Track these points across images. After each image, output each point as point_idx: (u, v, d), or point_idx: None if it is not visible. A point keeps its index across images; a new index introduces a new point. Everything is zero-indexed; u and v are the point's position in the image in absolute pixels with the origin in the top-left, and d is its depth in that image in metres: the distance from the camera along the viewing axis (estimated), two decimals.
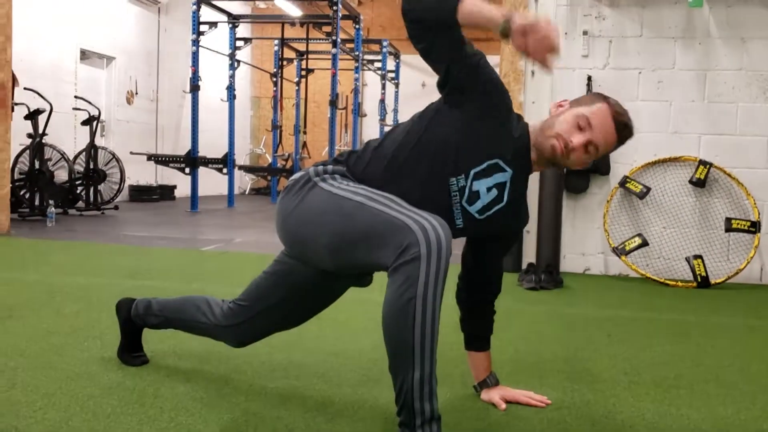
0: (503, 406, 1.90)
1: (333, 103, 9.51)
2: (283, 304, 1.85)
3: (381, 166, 1.67)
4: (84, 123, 7.73)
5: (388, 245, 1.42)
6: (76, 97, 8.27)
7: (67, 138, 8.58)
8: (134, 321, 2.14)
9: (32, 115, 6.90)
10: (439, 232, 1.41)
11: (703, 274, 4.26)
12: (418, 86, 12.90)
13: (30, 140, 6.97)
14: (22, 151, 7.07)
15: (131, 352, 2.18)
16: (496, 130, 1.67)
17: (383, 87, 12.03)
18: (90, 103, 7.79)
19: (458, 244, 1.95)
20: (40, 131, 6.96)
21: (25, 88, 6.99)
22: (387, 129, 12.14)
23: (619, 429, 1.78)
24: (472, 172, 1.65)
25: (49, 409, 1.76)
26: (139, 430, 1.65)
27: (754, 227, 4.28)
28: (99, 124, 8.05)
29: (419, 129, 1.67)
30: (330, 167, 1.69)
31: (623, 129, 1.68)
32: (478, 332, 1.97)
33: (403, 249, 1.40)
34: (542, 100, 4.50)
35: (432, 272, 1.38)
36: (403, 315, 1.40)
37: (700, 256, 4.31)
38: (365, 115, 12.70)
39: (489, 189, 1.67)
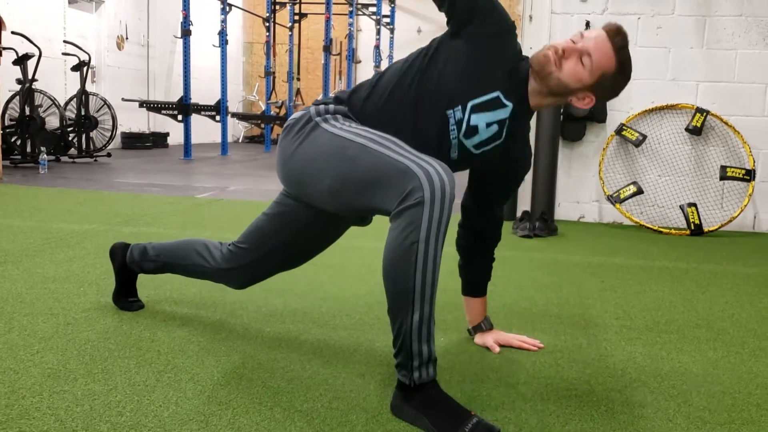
0: (497, 349, 1.93)
1: (327, 49, 9.37)
2: (285, 245, 1.84)
3: (380, 99, 1.66)
4: (74, 68, 7.62)
5: (392, 189, 1.42)
6: (65, 41, 8.12)
7: (57, 84, 8.46)
8: (130, 267, 2.14)
9: (21, 60, 6.79)
10: (443, 177, 1.40)
11: (697, 222, 4.28)
12: (413, 32, 12.72)
13: (19, 86, 6.87)
14: (12, 97, 6.98)
15: (127, 297, 2.18)
16: (498, 62, 1.64)
17: (378, 32, 11.83)
18: (80, 48, 7.65)
19: (459, 192, 1.94)
20: (30, 77, 6.85)
21: (12, 32, 6.85)
22: None
23: (610, 372, 1.81)
24: (470, 105, 1.62)
25: (46, 353, 1.77)
26: (136, 373, 1.67)
27: (749, 175, 4.28)
28: (89, 70, 7.93)
29: (421, 64, 1.65)
30: (331, 107, 1.66)
31: (618, 38, 1.63)
32: (476, 279, 1.98)
33: (407, 193, 1.39)
34: (540, 45, 4.43)
35: (435, 217, 1.38)
36: (405, 259, 1.39)
37: (694, 204, 4.32)
38: (360, 62, 12.55)
39: (489, 125, 1.65)
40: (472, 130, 1.64)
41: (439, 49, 1.66)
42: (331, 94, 1.73)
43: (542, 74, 1.64)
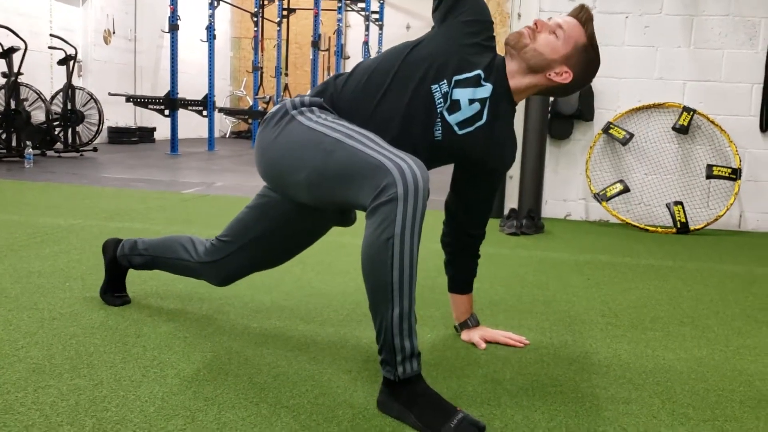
0: (483, 345, 1.93)
1: (315, 45, 9.36)
2: (265, 238, 1.84)
3: (361, 83, 1.68)
4: (60, 62, 7.56)
5: (366, 185, 1.43)
6: (51, 35, 8.05)
7: (43, 78, 8.39)
8: (119, 261, 2.13)
9: (6, 54, 6.73)
10: (416, 172, 1.41)
11: (683, 220, 4.31)
12: (402, 28, 12.71)
13: (5, 79, 6.80)
14: None
15: (114, 292, 2.17)
16: (479, 47, 1.72)
17: (367, 28, 11.81)
18: (66, 41, 7.59)
19: (441, 191, 1.94)
20: (15, 70, 6.79)
21: None
22: None
23: (596, 368, 1.82)
24: (453, 79, 1.67)
25: (31, 348, 1.76)
26: (122, 368, 1.66)
27: (735, 174, 4.32)
28: (76, 64, 7.87)
29: (403, 49, 1.71)
30: (307, 98, 1.68)
31: (587, 20, 1.72)
32: (461, 276, 1.98)
33: (381, 190, 1.40)
34: None
35: (409, 212, 1.39)
36: (382, 255, 1.41)
37: (680, 203, 4.35)
38: (348, 57, 12.54)
39: (471, 102, 1.68)
40: (455, 105, 1.67)
41: (424, 37, 1.74)
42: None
43: (518, 47, 1.72)
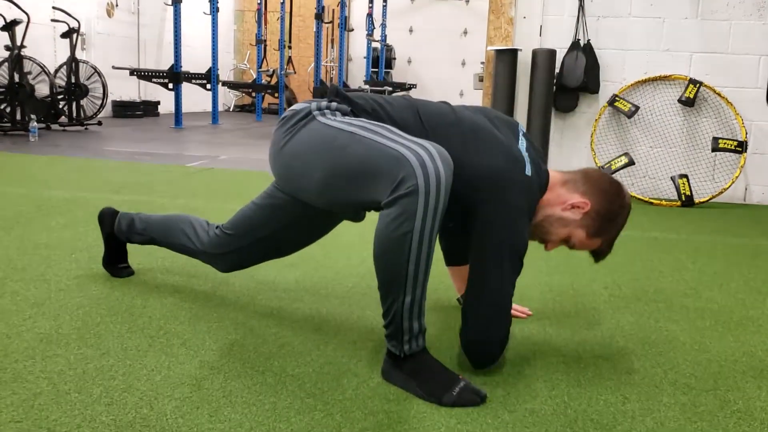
0: None
1: (319, 17, 9.28)
2: (271, 237, 1.81)
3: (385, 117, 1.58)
4: (63, 36, 7.52)
5: (383, 178, 1.36)
6: (54, 8, 8.00)
7: (46, 51, 8.36)
8: (117, 236, 2.13)
9: (9, 26, 6.69)
10: (437, 162, 1.34)
11: (688, 193, 4.30)
12: (407, 1, 12.58)
13: (8, 52, 6.78)
14: (0, 63, 6.89)
15: (117, 263, 2.19)
16: None
17: (371, 1, 11.70)
18: (69, 14, 7.55)
19: None
20: (18, 43, 6.76)
21: None
22: (374, 45, 11.94)
23: (598, 339, 1.84)
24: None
25: (38, 318, 1.78)
26: (128, 338, 1.68)
27: (741, 147, 4.30)
28: (79, 37, 7.83)
29: (456, 115, 1.61)
30: (334, 104, 1.59)
31: (606, 245, 1.72)
32: (458, 247, 1.98)
33: (399, 181, 1.34)
34: (533, 15, 4.41)
35: (431, 206, 1.33)
36: (398, 248, 1.35)
37: (685, 176, 4.34)
38: (352, 30, 12.43)
39: None
40: None
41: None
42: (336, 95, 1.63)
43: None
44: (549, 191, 1.65)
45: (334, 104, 1.59)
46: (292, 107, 1.64)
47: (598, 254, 1.71)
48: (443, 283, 2.25)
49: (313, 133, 1.53)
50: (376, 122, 1.50)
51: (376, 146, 1.41)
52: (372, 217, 1.47)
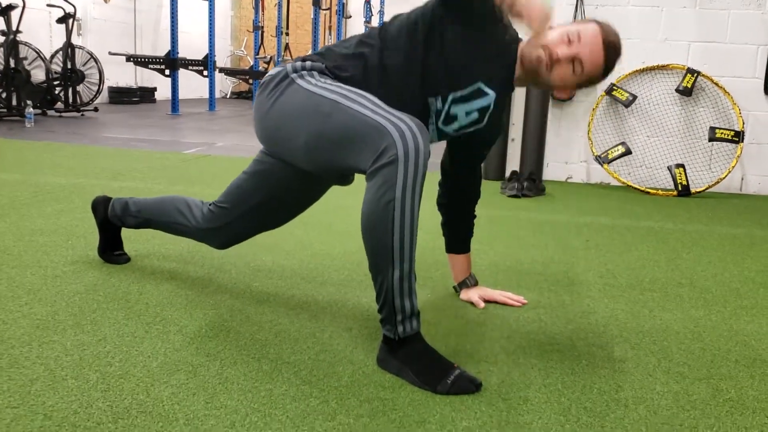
0: (482, 304, 1.95)
1: (316, 4, 9.24)
2: (264, 204, 1.84)
3: (362, 71, 1.62)
4: (59, 21, 7.48)
5: (366, 148, 1.42)
6: None
7: (42, 36, 8.31)
8: (112, 221, 2.14)
9: (4, 11, 6.65)
10: (415, 133, 1.40)
11: (684, 183, 4.30)
12: None
13: (4, 38, 6.74)
14: None
15: (112, 250, 2.19)
16: (486, 47, 1.63)
17: None
18: None
19: (438, 151, 1.94)
20: (14, 28, 6.72)
21: None
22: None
23: (593, 328, 1.85)
24: (450, 97, 1.63)
25: (35, 304, 1.78)
26: (125, 324, 1.68)
27: (738, 137, 4.30)
28: (75, 22, 7.78)
29: (408, 46, 1.60)
30: (308, 63, 1.64)
31: (611, 51, 1.63)
32: (458, 235, 2.00)
33: (381, 152, 1.39)
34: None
35: (410, 174, 1.39)
36: (382, 217, 1.41)
37: (682, 165, 4.34)
38: (350, 17, 12.38)
39: (468, 113, 1.67)
40: (451, 119, 1.67)
41: (433, 30, 1.60)
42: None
43: (531, 72, 1.64)
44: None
45: (308, 62, 1.63)
46: (269, 72, 1.68)
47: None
48: (438, 271, 2.25)
49: (295, 97, 1.57)
50: (356, 90, 1.53)
51: (359, 116, 1.45)
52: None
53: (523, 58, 1.65)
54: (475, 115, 1.68)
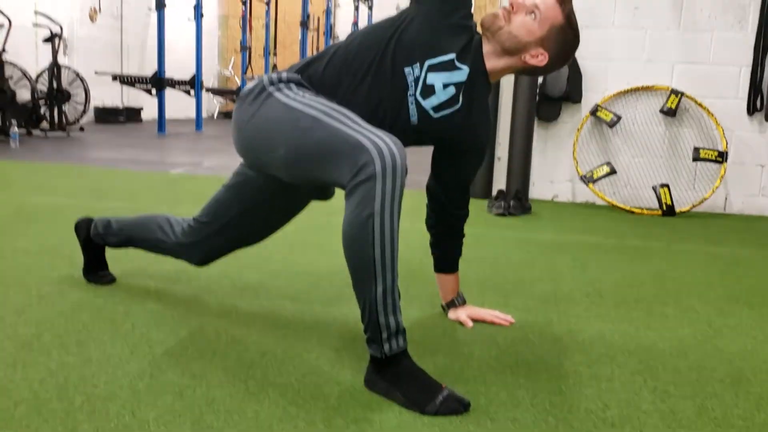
0: (470, 324, 1.95)
1: (304, 24, 9.30)
2: (243, 217, 1.84)
3: (339, 64, 1.67)
4: (46, 40, 7.47)
5: (344, 164, 1.43)
6: (35, 12, 7.95)
7: (28, 56, 8.29)
8: (94, 240, 2.13)
9: None
10: (393, 150, 1.41)
11: (669, 202, 4.34)
12: (392, 9, 12.62)
13: None
14: None
15: (96, 271, 2.18)
16: (454, 28, 1.69)
17: (356, 8, 11.75)
18: (51, 19, 7.50)
19: (421, 172, 1.95)
20: (0, 47, 6.71)
21: None
22: None
23: (579, 347, 1.85)
24: (426, 63, 1.65)
25: (19, 326, 1.76)
26: (111, 345, 1.67)
27: (721, 157, 4.35)
28: (61, 42, 7.78)
29: (384, 35, 1.68)
30: (285, 74, 1.66)
31: (564, 0, 1.69)
32: (447, 255, 2.00)
33: (359, 168, 1.40)
34: None
35: (388, 189, 1.40)
36: (362, 232, 1.42)
37: (666, 185, 4.38)
38: (337, 38, 12.46)
39: (445, 86, 1.67)
40: (429, 89, 1.66)
41: (405, 17, 1.70)
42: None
43: (493, 30, 1.70)
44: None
45: (284, 75, 1.66)
46: (247, 86, 1.70)
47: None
48: (426, 290, 2.25)
49: (274, 110, 1.58)
50: (336, 107, 1.55)
51: (338, 133, 1.47)
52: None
53: (483, 23, 1.72)
54: (452, 90, 1.68)
